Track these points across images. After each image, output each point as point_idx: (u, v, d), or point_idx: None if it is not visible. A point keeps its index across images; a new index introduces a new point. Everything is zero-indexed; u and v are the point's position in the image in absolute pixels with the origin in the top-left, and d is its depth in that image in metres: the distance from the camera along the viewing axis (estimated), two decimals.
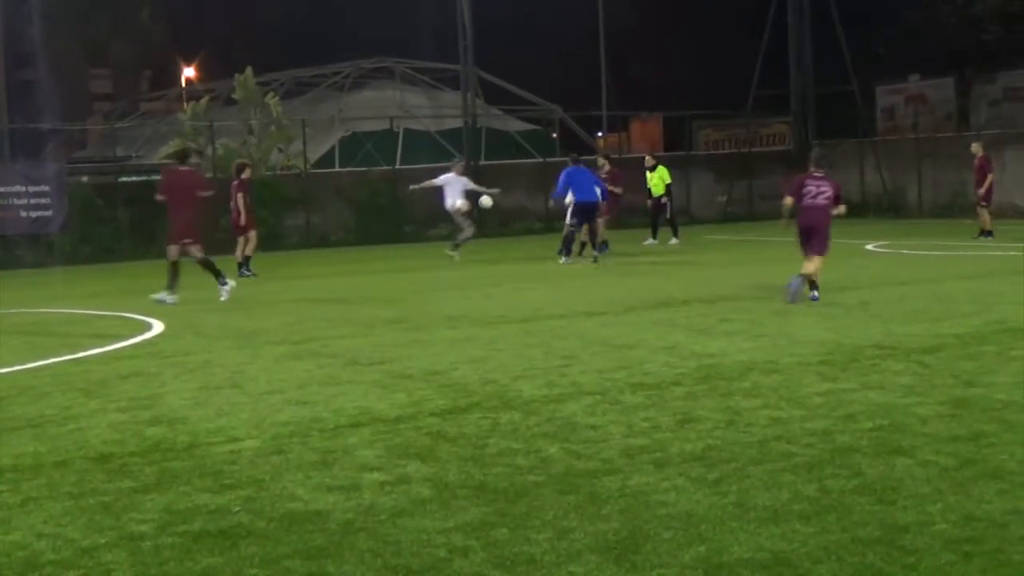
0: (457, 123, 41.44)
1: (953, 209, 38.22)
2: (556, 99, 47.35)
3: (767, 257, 24.98)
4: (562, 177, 25.34)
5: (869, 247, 26.52)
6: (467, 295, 19.09)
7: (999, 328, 12.58)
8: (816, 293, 16.10)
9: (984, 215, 28.46)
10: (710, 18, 46.53)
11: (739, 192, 43.76)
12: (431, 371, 11.12)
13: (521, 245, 32.83)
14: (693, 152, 45.11)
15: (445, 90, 47.27)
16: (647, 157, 32.47)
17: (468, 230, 27.29)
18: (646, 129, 49.66)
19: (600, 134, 49.63)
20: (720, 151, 47.07)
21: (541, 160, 41.76)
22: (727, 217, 42.32)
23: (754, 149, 45.43)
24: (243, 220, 24.69)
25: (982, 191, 28.51)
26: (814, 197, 16.39)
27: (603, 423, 8.47)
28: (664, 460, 7.33)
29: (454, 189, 27.12)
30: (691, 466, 7.16)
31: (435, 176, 28.10)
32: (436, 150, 41.80)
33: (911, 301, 15.75)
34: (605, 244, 25.92)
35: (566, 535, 5.91)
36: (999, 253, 23.37)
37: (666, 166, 31.81)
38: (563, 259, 24.69)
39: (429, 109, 45.81)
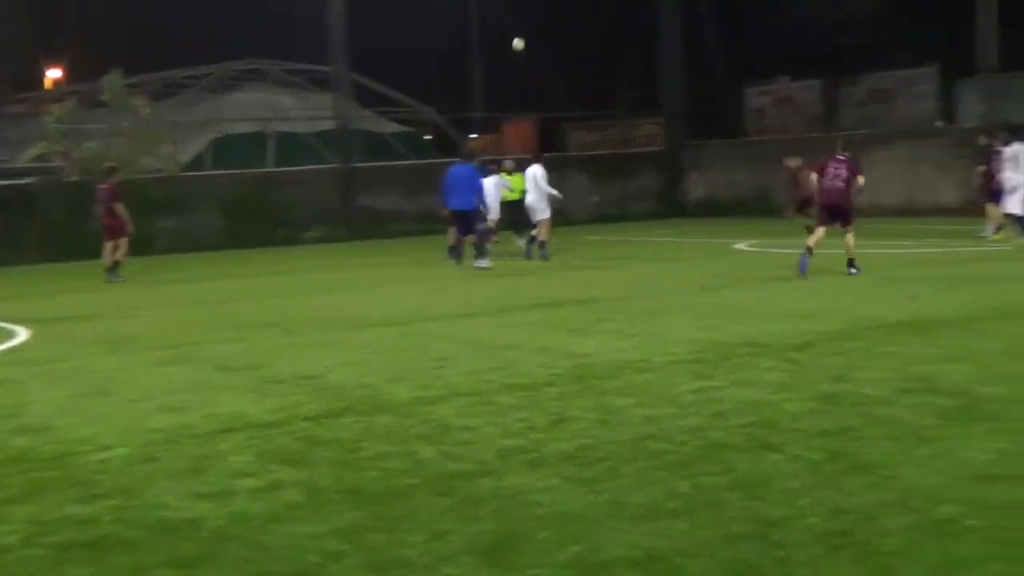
0: (330, 125, 41.12)
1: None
2: (430, 101, 47.26)
3: (641, 257, 25.20)
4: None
5: (739, 246, 26.86)
6: (341, 298, 18.98)
7: (866, 324, 12.80)
8: (854, 269, 18.73)
9: (800, 215, 29.56)
10: (583, 20, 46.77)
11: (613, 193, 44.05)
12: (304, 375, 11.02)
13: (396, 247, 32.72)
14: (567, 153, 45.28)
15: (318, 92, 46.88)
16: (506, 161, 32.05)
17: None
18: (519, 131, 49.74)
19: (473, 136, 49.65)
20: (594, 152, 47.34)
21: (415, 162, 41.66)
22: (601, 217, 42.54)
23: (627, 150, 45.75)
24: (127, 226, 24.43)
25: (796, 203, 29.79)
26: (832, 179, 19.04)
27: (477, 424, 8.46)
28: (538, 460, 7.34)
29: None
30: (565, 466, 7.18)
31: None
32: (309, 152, 41.49)
33: (781, 299, 15.98)
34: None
35: (441, 537, 5.89)
36: (863, 252, 23.78)
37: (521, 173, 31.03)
38: (468, 263, 23.91)
39: (302, 111, 45.42)
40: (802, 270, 18.39)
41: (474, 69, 47.28)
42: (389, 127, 46.55)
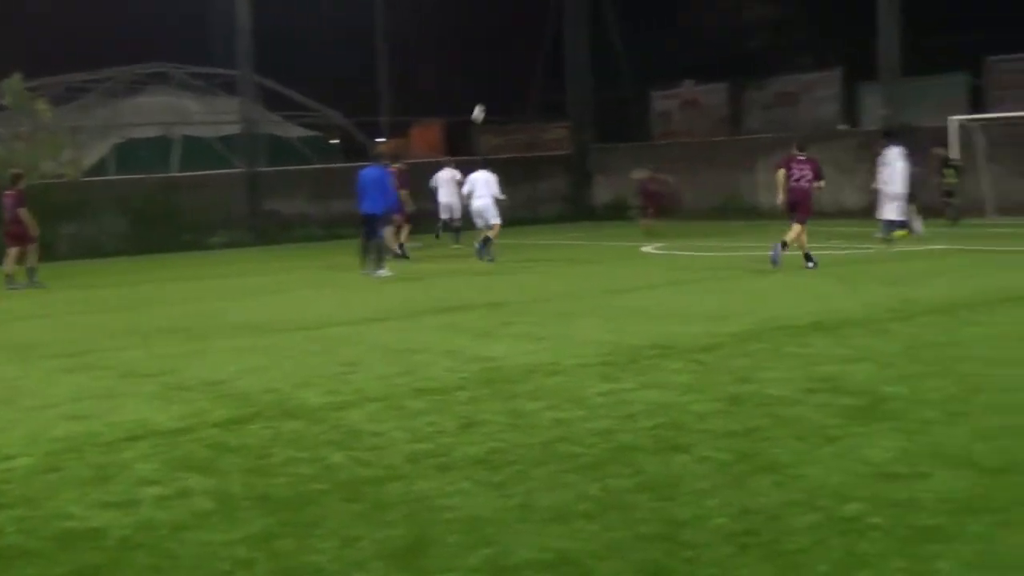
0: (236, 129, 40.83)
1: (727, 211, 39.22)
2: (337, 105, 47.08)
3: (550, 259, 25.27)
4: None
5: (646, 249, 27.02)
6: (248, 303, 18.85)
7: (772, 326, 12.95)
8: (811, 264, 20.19)
9: (649, 224, 32.19)
10: (490, 24, 46.81)
11: (522, 196, 44.15)
12: (211, 381, 10.94)
13: (303, 252, 32.54)
14: (475, 157, 45.32)
15: (223, 96, 46.51)
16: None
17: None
18: (427, 134, 49.71)
19: (381, 139, 49.52)
20: (502, 156, 47.43)
21: (322, 166, 41.49)
22: (510, 221, 42.60)
23: (535, 154, 45.90)
24: (30, 231, 24.14)
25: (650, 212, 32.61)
26: (797, 180, 20.75)
27: (387, 429, 8.45)
28: (448, 464, 7.36)
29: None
30: (475, 469, 7.20)
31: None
32: (214, 157, 41.17)
33: (688, 301, 16.12)
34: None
35: (352, 543, 5.88)
36: (770, 254, 24.04)
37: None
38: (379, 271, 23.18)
39: (207, 115, 45.04)
40: (774, 261, 20.33)
41: (380, 72, 47.12)
42: (295, 131, 46.32)
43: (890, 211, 24.59)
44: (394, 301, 17.84)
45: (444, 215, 31.38)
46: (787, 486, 6.54)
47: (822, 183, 21.07)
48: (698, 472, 6.92)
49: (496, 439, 7.98)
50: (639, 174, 33.96)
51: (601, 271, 22.36)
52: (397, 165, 28.49)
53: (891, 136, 25.95)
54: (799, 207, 20.70)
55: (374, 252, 22.94)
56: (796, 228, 20.54)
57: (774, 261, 20.30)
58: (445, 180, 31.24)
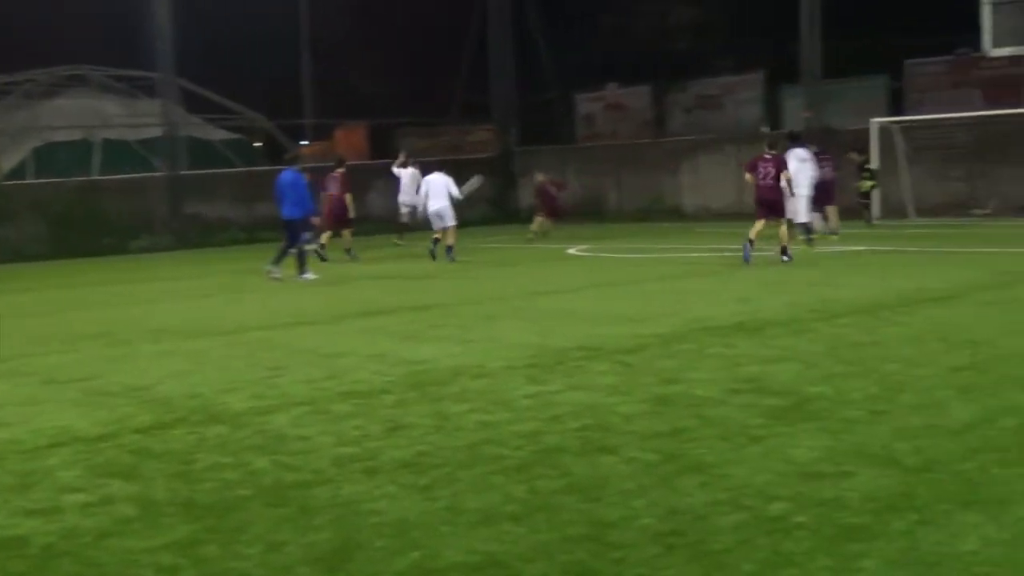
0: (157, 132, 40.47)
1: (651, 212, 39.45)
2: (261, 108, 46.81)
3: (475, 262, 25.26)
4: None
5: (571, 251, 27.11)
6: (171, 308, 18.68)
7: (696, 327, 13.03)
8: (786, 257, 21.16)
9: (544, 223, 33.42)
10: (414, 27, 46.73)
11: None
12: (134, 387, 10.83)
13: (225, 256, 32.32)
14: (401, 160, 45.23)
15: (144, 98, 46.06)
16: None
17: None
18: (351, 137, 49.54)
19: (304, 142, 49.32)
20: (426, 159, 47.37)
21: (245, 169, 41.23)
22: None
23: (459, 156, 45.88)
24: None
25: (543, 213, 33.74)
26: (763, 178, 21.65)
27: (313, 433, 8.41)
28: (375, 468, 7.33)
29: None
30: (402, 473, 7.18)
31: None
32: (135, 159, 40.77)
33: (613, 303, 16.18)
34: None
35: (278, 548, 5.85)
36: (694, 255, 24.24)
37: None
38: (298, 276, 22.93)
39: (127, 118, 44.59)
40: (746, 258, 21.10)
41: (304, 75, 46.94)
42: (218, 134, 45.97)
43: (801, 213, 24.76)
44: (319, 304, 17.77)
45: (405, 217, 31.04)
46: (713, 486, 6.58)
47: (788, 174, 21.82)
48: (625, 473, 6.94)
49: (423, 442, 7.97)
50: (539, 177, 34.96)
51: (527, 273, 22.40)
52: (340, 169, 28.62)
53: (795, 139, 26.17)
54: (772, 205, 21.70)
55: (297, 257, 22.76)
56: (781, 228, 21.61)
57: (746, 259, 21.09)
58: (407, 179, 30.99)
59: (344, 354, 12.26)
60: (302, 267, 22.59)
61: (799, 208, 24.56)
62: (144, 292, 22.17)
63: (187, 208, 38.13)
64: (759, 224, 21.67)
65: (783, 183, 21.60)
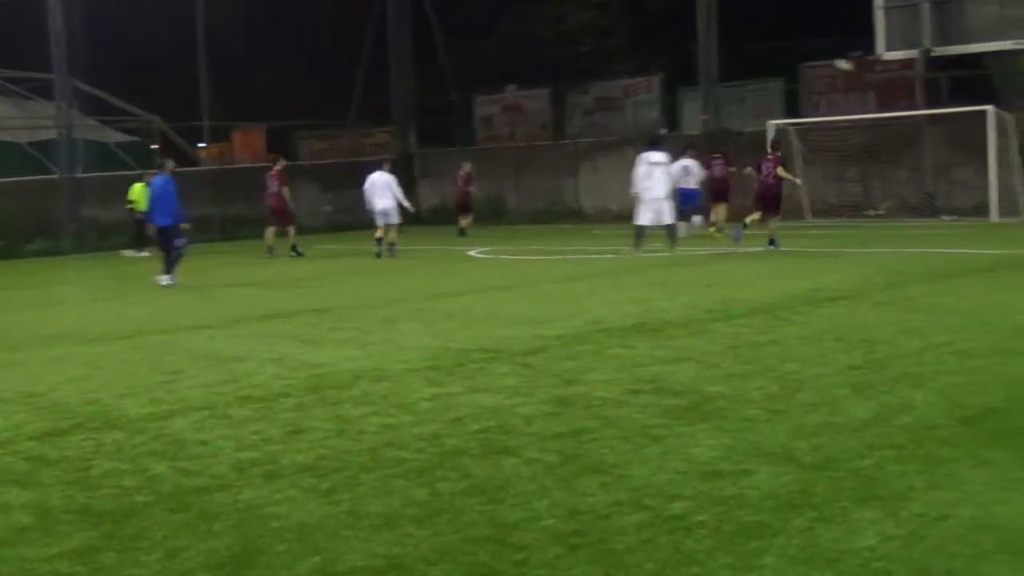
0: (51, 134, 39.83)
1: (550, 214, 39.59)
2: (158, 110, 46.24)
3: (374, 267, 25.18)
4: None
5: (472, 253, 27.12)
6: (66, 312, 18.42)
7: (595, 328, 13.10)
8: (772, 246, 23.75)
9: (466, 221, 34.82)
10: (313, 28, 46.46)
11: (345, 201, 43.89)
12: (28, 393, 10.65)
13: (124, 260, 31.90)
14: (299, 162, 44.98)
15: (38, 100, 45.34)
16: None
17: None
18: (249, 139, 49.18)
19: (202, 144, 48.86)
20: (325, 161, 47.14)
21: (141, 172, 40.70)
22: (334, 227, 42.36)
23: (358, 158, 45.73)
24: None
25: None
26: (765, 176, 24.58)
27: (212, 438, 8.33)
28: (275, 472, 7.28)
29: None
30: (303, 477, 7.14)
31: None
32: (29, 162, 40.12)
33: (513, 305, 16.21)
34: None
35: (177, 554, 5.78)
36: (594, 257, 24.36)
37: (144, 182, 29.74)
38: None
39: (21, 120, 43.86)
40: (737, 237, 24.55)
41: (201, 77, 46.46)
42: (114, 136, 45.36)
43: (666, 215, 24.78)
44: (215, 309, 17.60)
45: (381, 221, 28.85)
46: (614, 486, 6.61)
47: (780, 170, 24.66)
48: (526, 474, 6.95)
49: (323, 446, 7.93)
50: (465, 167, 35.89)
51: (427, 275, 22.38)
52: (277, 167, 28.66)
53: (654, 143, 26.33)
54: (769, 202, 24.53)
55: (169, 260, 22.15)
56: (773, 222, 24.29)
57: (737, 240, 24.55)
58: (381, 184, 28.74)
59: (243, 358, 12.16)
60: (168, 269, 22.02)
61: (661, 210, 24.57)
62: (39, 296, 21.84)
63: (83, 211, 37.58)
64: (756, 215, 24.78)
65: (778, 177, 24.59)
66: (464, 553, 5.60)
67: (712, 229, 29.01)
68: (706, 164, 30.78)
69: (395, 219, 26.78)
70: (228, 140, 47.75)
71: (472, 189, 36.13)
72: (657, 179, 24.41)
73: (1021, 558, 5.22)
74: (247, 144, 47.58)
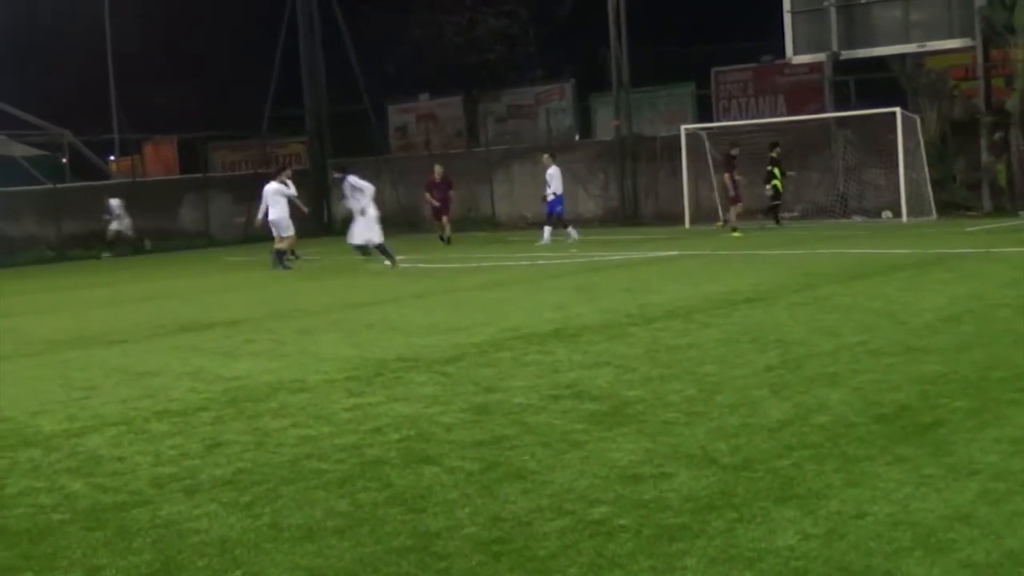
0: None
1: (465, 223, 39.59)
2: (67, 123, 45.69)
3: (284, 276, 25.02)
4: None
5: (388, 263, 27.01)
6: None
7: (513, 335, 13.13)
8: (737, 233, 27.85)
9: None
10: (223, 39, 46.18)
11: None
12: None
13: (31, 274, 31.45)
14: (210, 174, 44.66)
15: None
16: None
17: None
18: (160, 151, 48.80)
19: (112, 157, 48.41)
20: (237, 172, 46.85)
21: (51, 186, 40.21)
22: (248, 239, 42.03)
23: (271, 169, 45.46)
24: None
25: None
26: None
27: (129, 454, 8.25)
28: (194, 487, 7.23)
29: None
30: (222, 491, 7.09)
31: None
32: None
33: (431, 313, 16.20)
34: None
35: (97, 572, 5.73)
36: (510, 264, 24.41)
37: None
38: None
39: None
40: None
41: (111, 90, 46.02)
42: (21, 150, 44.75)
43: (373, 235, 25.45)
44: (128, 323, 17.38)
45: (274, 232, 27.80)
46: (536, 492, 6.63)
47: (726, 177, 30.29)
48: (447, 483, 6.96)
49: (242, 459, 7.88)
50: (438, 169, 34.37)
51: (343, 285, 22.29)
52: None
53: (344, 170, 27.31)
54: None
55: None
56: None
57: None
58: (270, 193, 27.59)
59: (158, 372, 12.05)
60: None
61: (360, 230, 25.55)
62: None
63: None
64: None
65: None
66: (387, 564, 5.60)
67: (733, 232, 29.27)
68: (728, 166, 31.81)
69: (284, 231, 26.62)
70: (139, 153, 47.32)
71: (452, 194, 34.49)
72: (359, 201, 25.75)
73: (937, 554, 5.30)
74: (159, 156, 47.20)
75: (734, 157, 31.81)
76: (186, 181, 43.61)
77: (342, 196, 27.91)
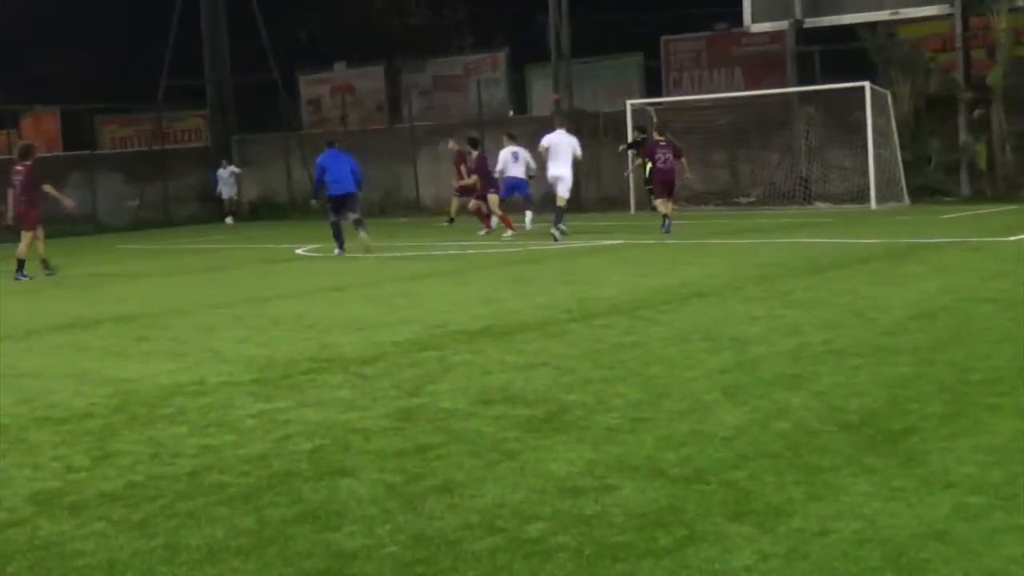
0: None
1: (385, 206, 39.52)
2: None
3: (187, 267, 24.91)
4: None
5: (299, 251, 26.97)
6: None
7: (439, 332, 13.12)
8: (668, 225, 26.36)
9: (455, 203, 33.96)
10: (114, 1, 45.81)
11: (153, 195, 43.38)
12: None
13: None
14: (98, 151, 44.32)
15: None
16: None
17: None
18: (41, 124, 48.31)
19: None
20: (129, 149, 46.53)
21: None
22: (140, 223, 41.79)
23: (167, 146, 45.20)
24: None
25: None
26: (663, 162, 27.39)
27: (4, 466, 8.17)
28: (80, 504, 7.16)
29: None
30: (112, 508, 7.04)
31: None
32: None
33: (347, 308, 16.17)
34: None
35: None
36: (436, 253, 24.40)
37: None
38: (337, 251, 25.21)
39: None
40: (666, 229, 26.03)
41: None
42: None
43: None
44: (2, 318, 17.23)
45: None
46: (464, 508, 6.63)
47: (683, 161, 27.91)
48: (365, 497, 6.94)
49: (135, 472, 7.82)
50: (453, 145, 33.95)
51: (248, 277, 22.20)
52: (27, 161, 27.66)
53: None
54: (665, 186, 27.26)
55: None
56: (668, 203, 26.97)
57: (667, 230, 26.01)
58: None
59: (38, 374, 11.94)
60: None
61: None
62: None
63: None
64: (659, 201, 27.32)
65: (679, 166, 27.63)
66: None
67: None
68: (648, 152, 29.83)
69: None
70: (16, 126, 46.81)
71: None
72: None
73: (909, 575, 5.35)
74: (39, 130, 46.69)
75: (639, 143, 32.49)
76: (70, 159, 43.19)
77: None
